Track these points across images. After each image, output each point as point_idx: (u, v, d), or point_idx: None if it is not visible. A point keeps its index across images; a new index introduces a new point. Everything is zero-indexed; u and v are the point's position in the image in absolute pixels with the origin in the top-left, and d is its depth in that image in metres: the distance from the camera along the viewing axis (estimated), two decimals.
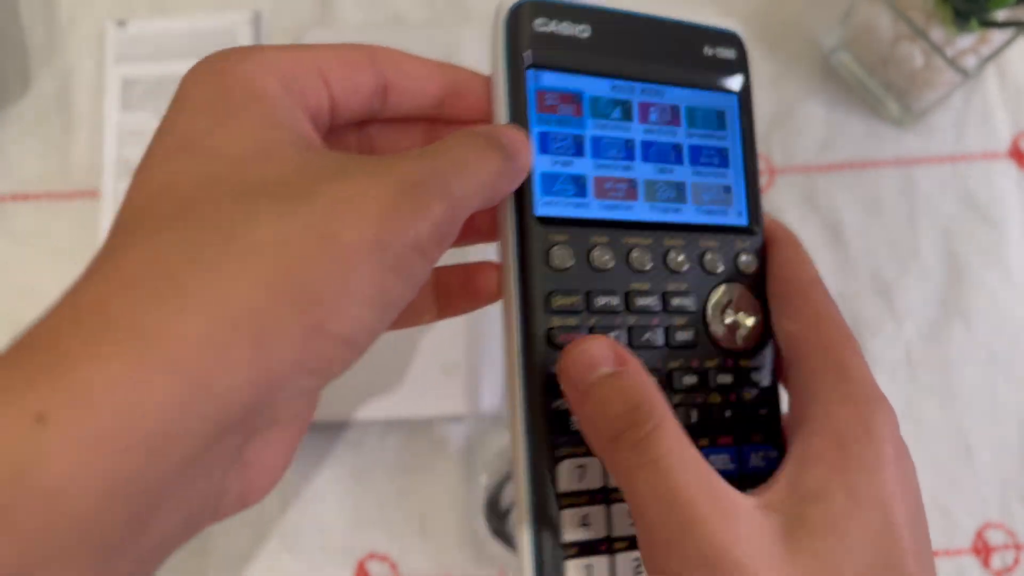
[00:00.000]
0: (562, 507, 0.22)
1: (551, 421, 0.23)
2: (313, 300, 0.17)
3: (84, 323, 0.16)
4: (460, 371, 0.37)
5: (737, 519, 0.20)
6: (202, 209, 0.18)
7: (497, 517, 0.37)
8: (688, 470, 0.20)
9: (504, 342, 0.23)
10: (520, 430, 0.22)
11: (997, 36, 0.38)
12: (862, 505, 0.20)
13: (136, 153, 0.43)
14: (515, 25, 0.25)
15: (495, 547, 0.37)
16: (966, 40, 0.38)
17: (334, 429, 0.40)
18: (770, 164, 0.43)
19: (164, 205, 0.18)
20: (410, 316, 0.26)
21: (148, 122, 0.43)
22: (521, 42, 0.25)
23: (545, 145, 0.24)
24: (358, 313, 0.19)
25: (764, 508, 0.21)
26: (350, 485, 0.39)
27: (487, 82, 0.24)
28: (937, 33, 0.38)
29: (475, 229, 0.25)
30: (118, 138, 0.43)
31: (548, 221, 0.24)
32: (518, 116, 0.24)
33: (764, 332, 0.26)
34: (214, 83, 0.20)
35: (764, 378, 0.26)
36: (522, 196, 0.24)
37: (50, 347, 0.16)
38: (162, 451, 0.16)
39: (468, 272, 0.26)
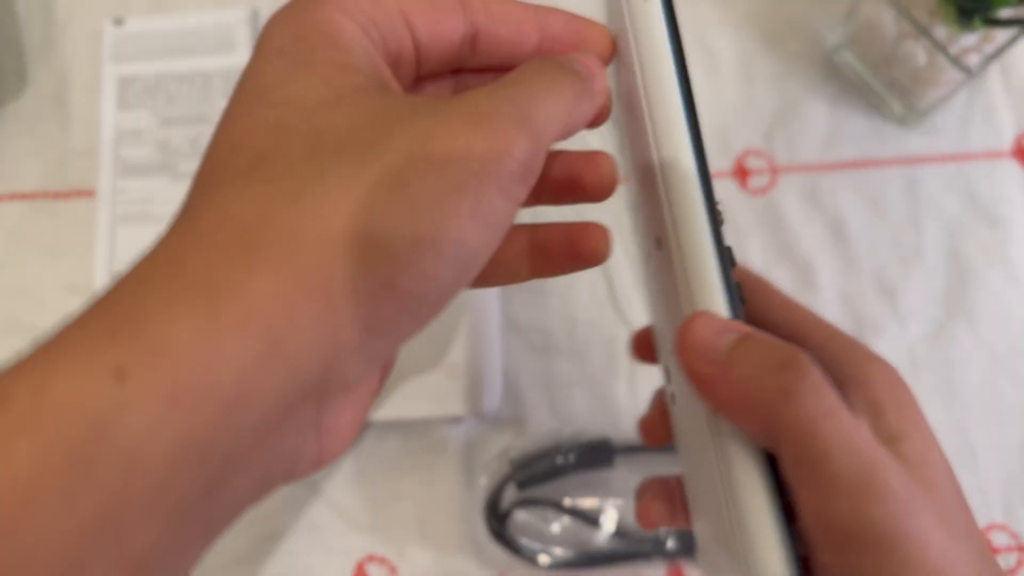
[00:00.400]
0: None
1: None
2: (384, 254, 0.17)
3: (161, 280, 0.16)
4: (460, 372, 0.37)
5: (895, 467, 0.20)
6: (274, 164, 0.18)
7: (496, 519, 0.36)
8: (852, 416, 0.20)
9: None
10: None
11: (1001, 35, 0.38)
12: (928, 441, 0.22)
13: (133, 152, 0.42)
14: None
15: (494, 549, 0.37)
16: (969, 38, 0.38)
17: None
18: (773, 163, 0.43)
19: (239, 159, 0.18)
20: (501, 274, 0.24)
21: (145, 121, 0.43)
22: None
23: None
24: (432, 266, 0.18)
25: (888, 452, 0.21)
26: (348, 486, 0.39)
27: (586, 25, 0.23)
28: (940, 31, 0.38)
29: (552, 186, 0.23)
30: (115, 137, 0.43)
31: None
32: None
33: None
34: (291, 28, 0.20)
35: None
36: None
37: (129, 303, 0.16)
38: (235, 412, 0.16)
39: (573, 231, 0.24)
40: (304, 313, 0.16)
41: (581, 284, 0.41)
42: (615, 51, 0.23)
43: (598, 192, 0.23)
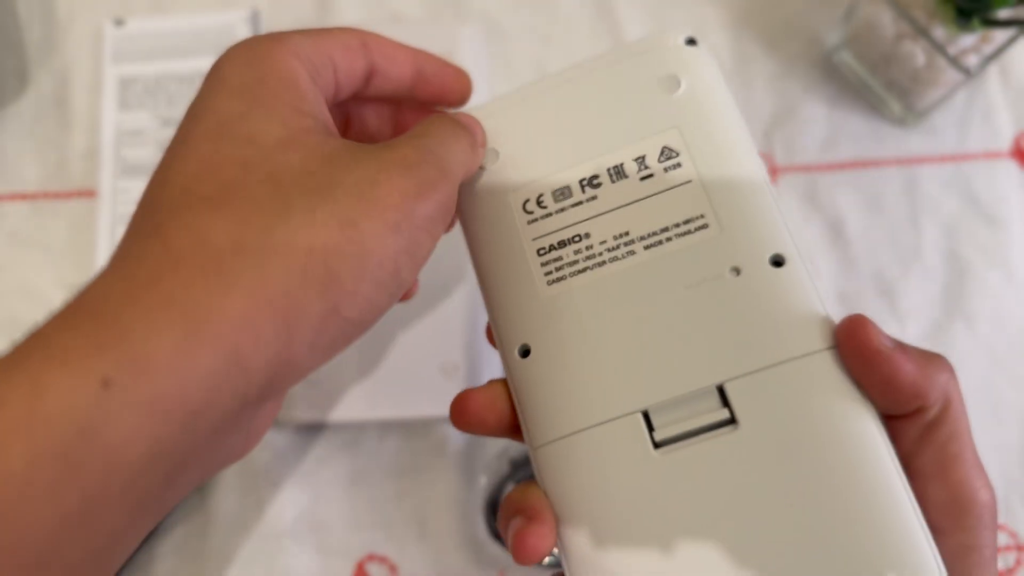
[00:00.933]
0: None
1: None
2: (335, 285, 0.19)
3: (142, 298, 0.18)
4: (459, 372, 0.37)
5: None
6: (241, 195, 0.19)
7: (496, 518, 0.37)
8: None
9: None
10: None
11: (999, 35, 0.38)
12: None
13: (134, 152, 0.42)
14: None
15: (494, 548, 0.37)
16: (968, 39, 0.38)
17: (333, 430, 0.39)
18: (772, 163, 0.43)
19: (205, 187, 0.20)
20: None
21: (146, 121, 0.43)
22: None
23: None
24: (371, 295, 0.20)
25: None
26: (349, 486, 0.39)
27: (453, 70, 0.27)
28: (939, 32, 0.38)
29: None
30: (116, 137, 0.43)
31: None
32: None
33: None
34: (252, 70, 0.22)
35: None
36: None
37: (114, 317, 0.17)
38: (199, 419, 0.18)
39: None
40: (266, 334, 0.18)
41: None
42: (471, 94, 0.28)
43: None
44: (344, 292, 0.20)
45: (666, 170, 0.24)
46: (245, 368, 0.18)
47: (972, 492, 0.21)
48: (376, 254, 0.20)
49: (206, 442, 0.18)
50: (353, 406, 0.37)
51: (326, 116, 0.23)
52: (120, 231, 0.41)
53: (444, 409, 0.37)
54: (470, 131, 0.24)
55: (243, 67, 0.22)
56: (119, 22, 0.44)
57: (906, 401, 0.20)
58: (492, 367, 0.39)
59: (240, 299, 0.18)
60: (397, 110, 0.29)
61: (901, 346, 0.21)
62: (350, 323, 0.20)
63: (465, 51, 0.41)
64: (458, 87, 0.27)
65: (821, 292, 0.23)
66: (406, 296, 0.28)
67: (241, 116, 0.21)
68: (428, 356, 0.38)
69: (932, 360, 0.21)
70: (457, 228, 0.27)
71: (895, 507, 0.20)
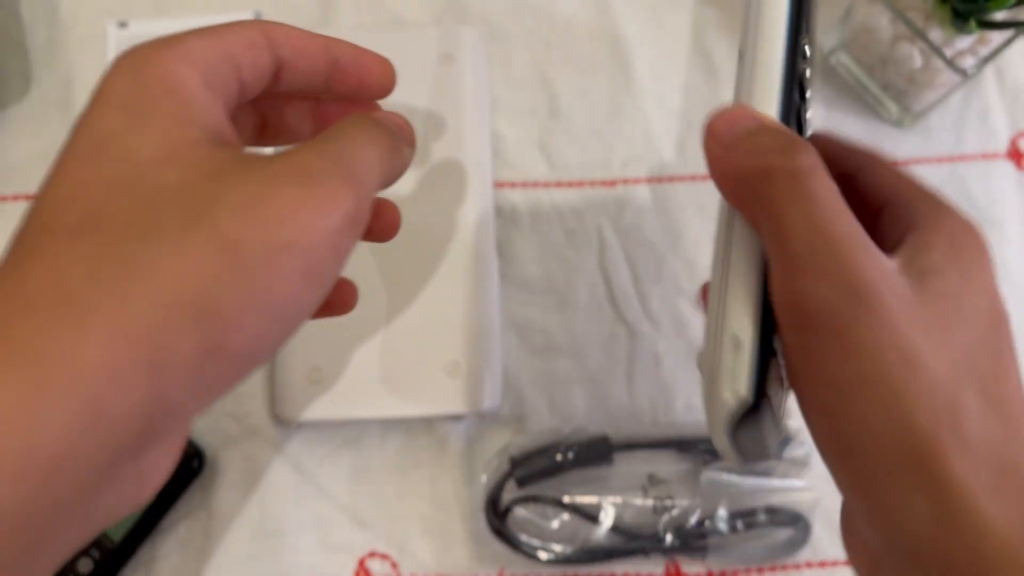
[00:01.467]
0: None
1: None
2: (213, 318, 0.17)
3: None
4: (460, 371, 0.38)
5: (882, 265, 0.21)
6: (106, 221, 0.17)
7: (497, 516, 0.37)
8: (843, 212, 0.21)
9: None
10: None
11: (996, 37, 0.38)
12: (973, 287, 0.21)
13: None
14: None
15: (495, 545, 0.37)
16: (965, 41, 0.38)
17: (335, 428, 0.40)
18: None
19: (70, 214, 0.18)
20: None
21: None
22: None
23: None
24: (261, 326, 0.18)
25: (897, 268, 0.21)
26: (351, 483, 0.39)
27: (371, 58, 0.25)
28: (936, 34, 0.38)
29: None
30: None
31: None
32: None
33: None
34: (133, 78, 0.20)
35: None
36: None
37: None
38: (56, 479, 0.16)
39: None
40: (129, 379, 0.16)
41: (580, 284, 0.41)
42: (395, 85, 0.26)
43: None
44: (226, 325, 0.17)
45: None
46: (110, 418, 0.16)
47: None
48: (264, 279, 0.17)
49: (75, 500, 0.16)
50: (354, 405, 0.38)
51: (219, 124, 0.21)
52: None
53: (445, 408, 0.38)
54: (391, 131, 0.22)
55: (126, 78, 0.20)
56: (122, 24, 0.44)
57: None
58: (492, 366, 0.39)
59: (97, 341, 0.16)
60: (317, 106, 0.26)
61: (752, 134, 0.22)
62: (239, 359, 0.18)
63: (465, 54, 0.42)
64: (379, 76, 0.25)
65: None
66: (341, 310, 0.26)
67: (120, 131, 0.19)
68: (429, 355, 0.38)
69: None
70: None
71: None
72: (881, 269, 0.20)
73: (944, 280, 0.21)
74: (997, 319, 0.22)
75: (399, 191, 0.39)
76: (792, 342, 0.21)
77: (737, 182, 0.22)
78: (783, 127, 0.23)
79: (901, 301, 0.20)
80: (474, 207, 0.39)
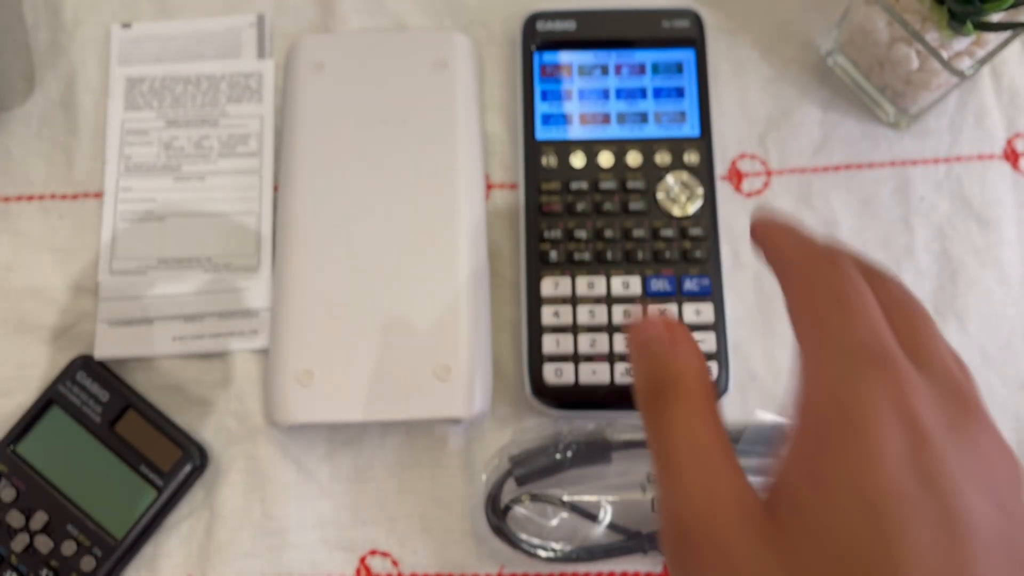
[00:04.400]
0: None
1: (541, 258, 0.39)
2: None
3: None
4: (453, 375, 0.37)
5: (730, 515, 0.19)
6: None
7: (496, 514, 0.37)
8: (693, 452, 0.21)
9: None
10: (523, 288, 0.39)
11: (992, 38, 0.38)
12: (831, 496, 0.17)
13: (138, 151, 0.43)
14: (527, 27, 0.42)
15: (495, 543, 0.37)
16: (961, 42, 0.38)
17: (333, 428, 0.40)
18: (766, 166, 0.44)
19: None
20: None
21: (151, 121, 0.43)
22: (530, 36, 0.42)
23: (545, 96, 0.42)
24: None
25: (765, 508, 0.19)
26: (352, 482, 0.40)
27: None
28: (933, 36, 0.38)
29: None
30: (122, 139, 0.43)
31: (543, 143, 0.41)
32: (528, 82, 0.42)
33: (704, 204, 0.40)
34: None
35: (701, 232, 0.39)
36: (529, 128, 0.41)
37: None
38: None
39: None
40: None
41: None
42: None
43: None
44: None
45: None
46: None
47: None
48: None
49: None
50: (345, 408, 0.37)
51: None
52: (122, 228, 0.42)
53: (436, 412, 0.37)
54: None
55: None
56: (126, 25, 0.45)
57: None
58: (485, 371, 0.39)
59: None
60: None
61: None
62: None
63: (458, 60, 0.42)
64: None
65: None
66: None
67: None
68: (421, 358, 0.38)
69: None
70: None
71: None
72: (729, 530, 0.19)
73: (794, 501, 0.19)
74: (880, 540, 0.17)
75: (393, 194, 0.40)
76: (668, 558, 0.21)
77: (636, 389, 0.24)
78: (680, 349, 0.23)
79: (750, 560, 0.18)
80: (466, 210, 0.40)
